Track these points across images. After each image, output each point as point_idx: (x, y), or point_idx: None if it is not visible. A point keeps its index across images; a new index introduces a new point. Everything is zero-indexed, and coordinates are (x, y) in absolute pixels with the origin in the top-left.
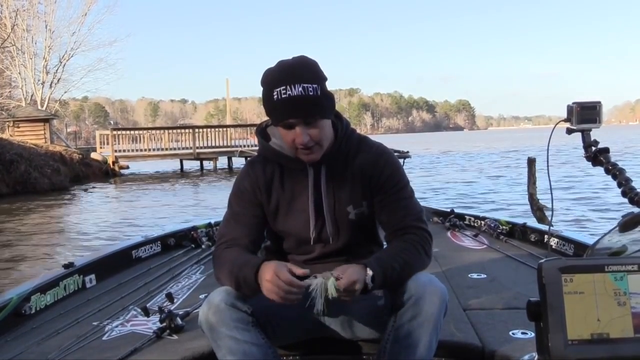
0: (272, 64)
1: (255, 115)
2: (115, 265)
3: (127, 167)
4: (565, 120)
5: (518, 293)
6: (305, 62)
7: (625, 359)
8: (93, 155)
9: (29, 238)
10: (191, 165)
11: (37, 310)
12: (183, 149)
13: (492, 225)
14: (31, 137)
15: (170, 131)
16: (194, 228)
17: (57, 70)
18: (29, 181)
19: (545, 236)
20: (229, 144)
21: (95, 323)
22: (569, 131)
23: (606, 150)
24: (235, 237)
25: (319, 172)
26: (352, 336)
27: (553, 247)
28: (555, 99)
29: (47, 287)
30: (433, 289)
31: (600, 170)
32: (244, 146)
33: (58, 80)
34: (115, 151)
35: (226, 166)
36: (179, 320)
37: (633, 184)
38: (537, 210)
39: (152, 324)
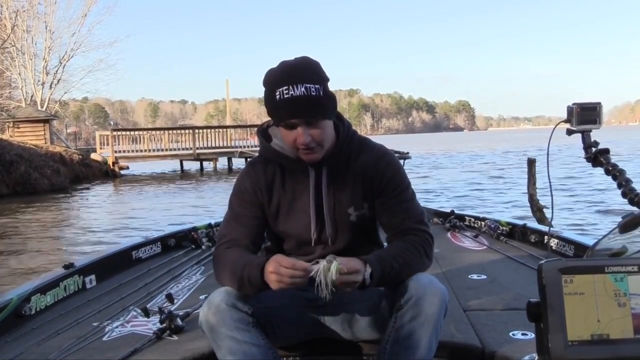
0: (272, 65)
1: (255, 115)
2: (116, 265)
3: (127, 168)
4: (566, 121)
5: (518, 294)
6: (307, 63)
7: (625, 359)
8: (93, 156)
9: (29, 239)
10: (191, 165)
11: (37, 310)
12: (183, 149)
13: (492, 226)
14: (31, 137)
15: (170, 132)
16: (194, 229)
17: (57, 71)
18: (29, 182)
19: (545, 237)
20: (229, 145)
21: (95, 324)
22: (569, 132)
23: (606, 151)
24: (235, 238)
25: (320, 173)
26: (352, 337)
27: (553, 248)
28: (555, 99)
29: (47, 287)
30: (433, 290)
31: (600, 170)
32: (244, 147)
33: (58, 81)
34: (115, 152)
35: (226, 167)
36: (179, 321)
37: (633, 184)
38: (537, 211)
39: (152, 324)
